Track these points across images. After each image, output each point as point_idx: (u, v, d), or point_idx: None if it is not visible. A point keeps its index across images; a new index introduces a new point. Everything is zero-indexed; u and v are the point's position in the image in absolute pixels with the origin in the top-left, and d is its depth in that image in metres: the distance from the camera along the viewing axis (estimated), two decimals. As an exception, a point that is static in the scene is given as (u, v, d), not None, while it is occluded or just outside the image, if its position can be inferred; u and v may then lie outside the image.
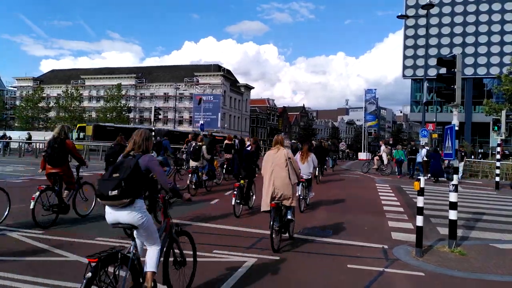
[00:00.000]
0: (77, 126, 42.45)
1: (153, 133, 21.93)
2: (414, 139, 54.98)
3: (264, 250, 6.17)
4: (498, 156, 17.59)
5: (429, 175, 18.77)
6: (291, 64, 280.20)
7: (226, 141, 16.26)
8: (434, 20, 44.99)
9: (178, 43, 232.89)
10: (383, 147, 22.67)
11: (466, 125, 43.87)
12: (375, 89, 55.15)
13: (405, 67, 48.06)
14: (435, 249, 6.68)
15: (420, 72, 43.98)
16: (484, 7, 44.68)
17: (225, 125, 67.52)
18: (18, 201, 7.85)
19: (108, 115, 58.40)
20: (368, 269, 5.48)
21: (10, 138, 33.03)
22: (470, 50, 44.75)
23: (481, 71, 44.33)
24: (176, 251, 4.19)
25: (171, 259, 4.12)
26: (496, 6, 44.15)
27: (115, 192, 3.47)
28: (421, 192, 6.18)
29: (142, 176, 3.68)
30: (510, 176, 20.13)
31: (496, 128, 17.20)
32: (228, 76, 73.19)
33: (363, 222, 8.83)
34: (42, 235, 6.52)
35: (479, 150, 37.93)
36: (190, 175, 11.86)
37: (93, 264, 3.14)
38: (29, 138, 34.70)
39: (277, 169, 6.53)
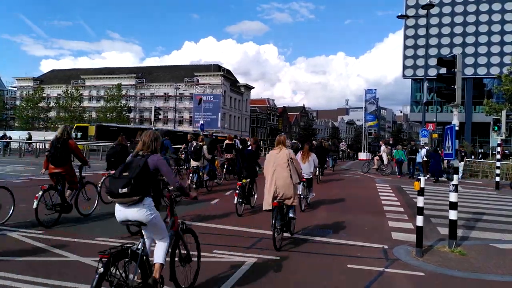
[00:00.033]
0: (75, 126, 42.44)
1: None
2: (414, 139, 54.98)
3: (264, 250, 6.17)
4: (498, 156, 17.59)
5: (428, 175, 18.78)
6: (291, 64, 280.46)
7: (226, 141, 16.28)
8: (434, 20, 45.00)
9: (178, 43, 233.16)
10: (383, 147, 22.67)
11: (466, 125, 43.89)
12: (375, 89, 55.13)
13: (405, 67, 48.07)
14: (435, 249, 6.68)
15: (420, 72, 43.98)
16: (484, 7, 44.69)
17: (225, 125, 67.53)
18: (18, 201, 7.84)
19: (108, 115, 58.41)
20: (368, 269, 5.48)
21: (10, 138, 33.05)
22: (470, 50, 44.76)
23: (481, 71, 44.33)
24: (182, 248, 4.31)
25: (176, 259, 4.22)
26: (496, 6, 44.16)
27: (125, 190, 3.61)
28: (421, 192, 6.18)
29: (150, 175, 3.82)
30: (510, 176, 20.13)
31: (496, 128, 17.20)
32: (228, 76, 73.20)
33: (363, 222, 8.83)
34: (42, 235, 6.52)
35: (479, 150, 37.94)
36: (191, 174, 11.88)
37: (104, 260, 3.23)
38: (29, 138, 34.73)
39: (279, 169, 6.64)
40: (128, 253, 3.51)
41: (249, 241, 6.77)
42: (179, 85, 69.10)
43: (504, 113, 17.12)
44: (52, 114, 67.57)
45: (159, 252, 3.89)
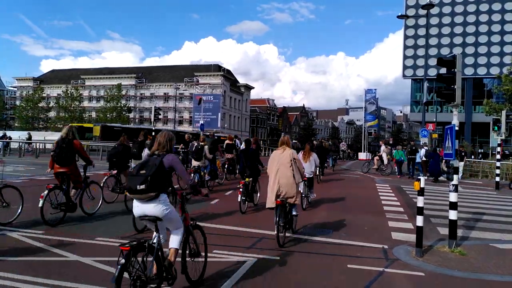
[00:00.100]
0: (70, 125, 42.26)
1: (153, 133, 21.97)
2: (414, 139, 54.92)
3: (264, 250, 6.17)
4: (498, 156, 17.59)
5: (428, 175, 18.78)
6: (291, 64, 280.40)
7: (227, 141, 16.30)
8: (434, 20, 45.02)
9: (178, 43, 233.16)
10: (383, 147, 22.68)
11: (466, 125, 43.90)
12: (375, 89, 55.15)
13: (405, 67, 48.08)
14: (435, 249, 6.68)
15: (420, 72, 43.99)
16: (484, 7, 44.70)
17: (225, 125, 67.53)
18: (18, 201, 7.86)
19: (108, 115, 58.40)
20: (368, 269, 5.48)
21: (10, 138, 33.03)
22: (470, 50, 44.77)
23: (481, 71, 44.34)
24: (192, 243, 4.54)
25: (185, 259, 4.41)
26: (496, 6, 44.17)
27: (142, 187, 3.87)
28: (421, 192, 6.18)
29: (166, 173, 4.09)
30: (510, 176, 20.13)
31: (496, 128, 17.19)
32: (228, 76, 73.18)
33: (363, 222, 8.83)
34: (42, 235, 6.52)
35: (479, 150, 37.96)
36: (192, 174, 11.89)
37: (125, 252, 3.49)
38: (29, 138, 34.71)
39: (282, 169, 6.85)
40: (146, 247, 3.78)
41: (249, 241, 6.77)
42: (179, 85, 69.09)
43: (504, 113, 17.12)
44: (52, 114, 67.55)
45: (174, 239, 4.20)
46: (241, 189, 9.13)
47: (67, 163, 7.52)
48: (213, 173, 13.08)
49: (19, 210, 7.25)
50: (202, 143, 12.57)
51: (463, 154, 20.72)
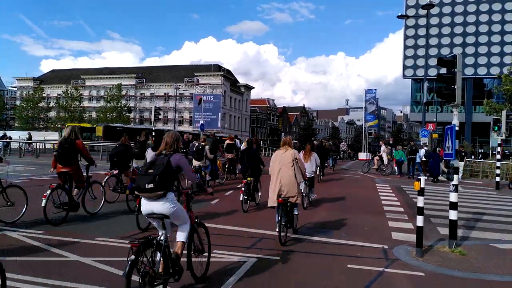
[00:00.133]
0: (66, 125, 42.25)
1: (153, 133, 21.98)
2: (414, 139, 54.95)
3: (265, 250, 6.18)
4: (498, 156, 17.59)
5: (427, 175, 18.77)
6: (291, 64, 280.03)
7: (227, 141, 16.31)
8: (434, 20, 45.01)
9: (178, 43, 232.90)
10: (383, 147, 22.67)
11: (467, 125, 43.90)
12: (375, 89, 55.08)
13: (405, 67, 48.08)
14: (435, 249, 6.69)
15: (420, 72, 43.99)
16: (484, 7, 44.70)
17: (225, 125, 67.54)
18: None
19: (108, 115, 58.40)
20: (368, 269, 5.48)
21: (11, 138, 33.08)
22: (470, 50, 44.77)
23: (482, 71, 44.34)
24: (196, 241, 4.68)
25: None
26: (496, 6, 44.17)
27: (150, 186, 4.00)
28: (421, 192, 6.18)
29: (173, 172, 4.23)
30: (510, 176, 20.13)
31: (496, 128, 17.19)
32: (228, 76, 73.17)
33: (363, 222, 8.83)
34: (42, 235, 6.52)
35: (479, 150, 37.98)
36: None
37: (135, 248, 3.62)
38: (29, 138, 34.76)
39: (284, 168, 6.94)
40: (154, 243, 3.92)
41: (249, 241, 6.77)
42: (179, 85, 69.06)
43: (504, 113, 17.12)
44: (52, 114, 67.58)
45: (181, 233, 4.33)
46: (243, 189, 9.27)
47: (70, 163, 7.60)
48: (214, 173, 13.13)
49: (24, 210, 7.35)
50: (203, 143, 12.63)
51: (463, 154, 20.73)
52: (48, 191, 7.20)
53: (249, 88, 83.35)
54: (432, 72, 38.76)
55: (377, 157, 22.54)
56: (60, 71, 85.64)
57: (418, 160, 20.05)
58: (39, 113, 65.96)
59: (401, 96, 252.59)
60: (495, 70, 41.37)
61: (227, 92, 72.09)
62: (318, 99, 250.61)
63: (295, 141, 26.33)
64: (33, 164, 20.09)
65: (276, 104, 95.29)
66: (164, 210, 4.09)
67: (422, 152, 19.88)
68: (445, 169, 19.66)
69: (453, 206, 6.73)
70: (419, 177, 6.27)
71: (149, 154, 8.18)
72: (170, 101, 72.01)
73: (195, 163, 12.25)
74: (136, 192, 4.23)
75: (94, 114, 66.71)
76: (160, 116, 48.24)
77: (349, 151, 47.04)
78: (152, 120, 29.84)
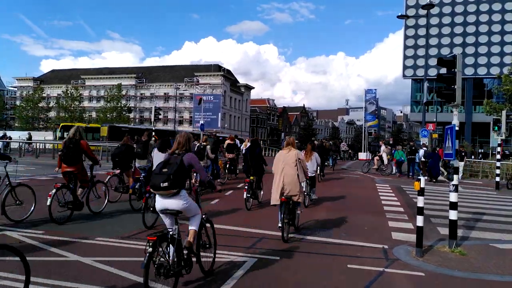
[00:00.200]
0: (60, 125, 42.13)
1: (153, 133, 21.96)
2: (414, 139, 54.93)
3: (265, 250, 6.18)
4: (498, 156, 17.59)
5: (427, 175, 18.77)
6: (291, 64, 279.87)
7: (228, 141, 16.31)
8: (434, 20, 45.01)
9: (178, 43, 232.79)
10: (383, 147, 22.67)
11: (466, 125, 43.91)
12: (375, 89, 55.06)
13: (405, 67, 48.09)
14: (435, 249, 6.69)
15: (420, 72, 44.00)
16: (484, 7, 44.70)
17: (225, 125, 67.54)
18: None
19: (108, 115, 58.40)
20: (368, 269, 5.48)
21: (11, 138, 33.08)
22: (470, 50, 44.78)
23: (482, 71, 44.35)
24: (203, 236, 4.91)
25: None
26: (497, 6, 44.17)
27: (165, 184, 4.22)
28: (421, 192, 6.18)
29: (185, 171, 4.47)
30: (510, 176, 20.13)
31: (496, 128, 17.19)
32: (228, 76, 73.18)
33: (363, 222, 8.83)
34: (42, 235, 6.52)
35: (479, 150, 37.97)
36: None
37: (152, 241, 3.86)
38: (29, 138, 34.75)
39: (287, 168, 7.12)
40: (168, 238, 4.20)
41: (249, 241, 6.77)
42: (179, 85, 69.06)
43: (504, 113, 17.12)
44: (52, 114, 67.58)
45: (193, 222, 4.59)
46: (246, 187, 9.51)
47: (74, 163, 7.72)
48: (215, 172, 13.17)
49: (32, 208, 7.49)
50: (204, 143, 12.67)
51: (463, 154, 20.72)
52: (53, 190, 7.31)
53: (249, 88, 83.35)
54: (432, 72, 38.76)
55: (377, 157, 22.54)
56: (60, 71, 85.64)
57: (417, 160, 20.05)
58: (39, 113, 65.95)
59: (401, 96, 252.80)
60: (495, 70, 41.37)
61: (227, 92, 72.10)
62: (318, 99, 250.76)
63: (295, 141, 26.50)
64: (33, 164, 20.08)
65: (276, 104, 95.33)
66: (177, 207, 4.35)
67: (421, 152, 19.88)
68: (443, 169, 19.66)
69: (453, 206, 6.74)
70: (419, 177, 6.27)
71: (155, 154, 8.20)
72: (170, 101, 72.02)
73: None
74: (151, 190, 4.45)
75: (94, 114, 66.72)
76: (160, 116, 48.22)
77: (349, 151, 47.05)
78: (152, 120, 29.87)
